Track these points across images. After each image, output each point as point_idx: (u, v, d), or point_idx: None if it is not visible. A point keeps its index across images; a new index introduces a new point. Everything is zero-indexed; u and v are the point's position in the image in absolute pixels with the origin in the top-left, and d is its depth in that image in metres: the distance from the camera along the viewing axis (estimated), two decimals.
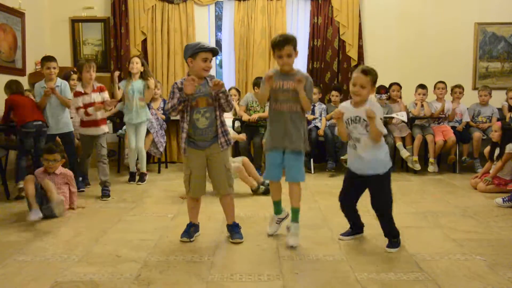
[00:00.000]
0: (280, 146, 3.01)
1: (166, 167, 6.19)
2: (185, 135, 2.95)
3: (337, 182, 5.05)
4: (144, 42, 6.48)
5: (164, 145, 5.74)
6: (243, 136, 4.98)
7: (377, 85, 3.19)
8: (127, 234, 3.21)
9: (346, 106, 2.86)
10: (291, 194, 3.02)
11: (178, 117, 3.04)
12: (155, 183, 5.11)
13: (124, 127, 5.53)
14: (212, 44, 2.89)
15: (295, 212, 3.04)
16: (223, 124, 3.02)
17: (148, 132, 5.36)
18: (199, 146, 2.97)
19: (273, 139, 3.02)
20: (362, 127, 2.78)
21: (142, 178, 5.15)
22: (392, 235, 2.90)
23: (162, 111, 5.89)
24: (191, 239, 3.05)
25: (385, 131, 2.78)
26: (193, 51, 2.88)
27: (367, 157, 2.79)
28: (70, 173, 3.94)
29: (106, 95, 4.53)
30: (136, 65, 5.00)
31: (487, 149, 4.92)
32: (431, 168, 5.66)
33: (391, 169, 2.87)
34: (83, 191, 4.66)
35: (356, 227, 3.12)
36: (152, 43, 6.51)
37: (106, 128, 4.60)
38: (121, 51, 6.42)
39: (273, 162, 3.06)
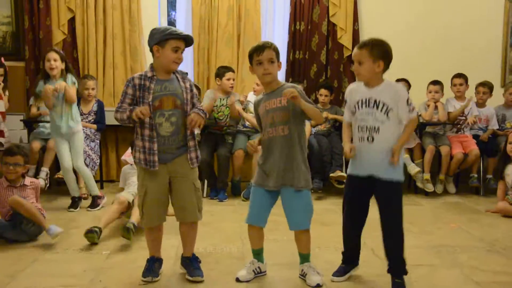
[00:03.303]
0: (275, 185, 3.06)
1: (102, 187, 6.09)
2: (148, 144, 2.95)
3: (324, 207, 5.06)
4: (72, 21, 6.38)
5: (97, 164, 5.73)
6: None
7: None
8: (45, 278, 3.14)
9: (355, 88, 2.97)
10: (299, 243, 3.15)
11: (118, 122, 3.03)
12: (86, 210, 5.03)
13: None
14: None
15: (305, 257, 3.16)
16: (194, 135, 3.08)
17: None
18: (160, 159, 2.98)
19: (265, 174, 3.08)
20: (382, 112, 2.84)
21: (95, 202, 5.14)
22: (399, 268, 2.92)
23: (94, 117, 5.84)
24: (156, 278, 3.07)
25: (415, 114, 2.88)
26: (162, 37, 2.96)
27: (386, 152, 2.85)
28: (38, 182, 4.31)
29: None
30: (55, 63, 4.85)
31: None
32: (442, 188, 5.76)
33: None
34: None
35: (351, 258, 3.16)
36: (83, 23, 6.40)
37: None
38: (39, 33, 6.31)
39: (261, 202, 3.12)
